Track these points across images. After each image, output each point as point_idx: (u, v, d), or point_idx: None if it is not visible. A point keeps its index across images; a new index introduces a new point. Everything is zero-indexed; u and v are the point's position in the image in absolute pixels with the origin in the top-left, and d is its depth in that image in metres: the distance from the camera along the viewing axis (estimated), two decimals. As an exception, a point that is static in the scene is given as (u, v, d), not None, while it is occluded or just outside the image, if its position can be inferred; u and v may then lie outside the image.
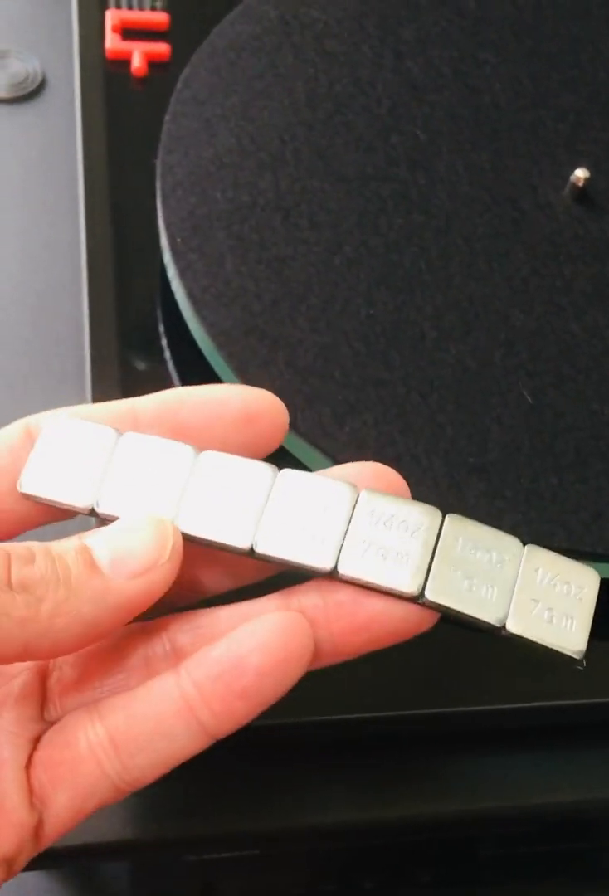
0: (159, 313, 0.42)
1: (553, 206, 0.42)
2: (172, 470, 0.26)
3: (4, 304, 0.45)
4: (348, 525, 0.25)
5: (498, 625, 0.25)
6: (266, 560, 0.25)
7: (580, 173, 0.41)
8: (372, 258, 0.39)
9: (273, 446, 0.27)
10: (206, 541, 0.25)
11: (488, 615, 0.25)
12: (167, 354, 0.41)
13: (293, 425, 0.35)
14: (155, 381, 0.40)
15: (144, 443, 0.27)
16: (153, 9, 0.50)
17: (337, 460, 0.35)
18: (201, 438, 0.26)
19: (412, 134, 0.43)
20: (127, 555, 0.24)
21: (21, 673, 0.26)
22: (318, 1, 0.46)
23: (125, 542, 0.24)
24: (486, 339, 0.38)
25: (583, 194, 0.42)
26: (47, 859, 0.33)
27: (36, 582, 0.23)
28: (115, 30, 0.49)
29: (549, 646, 0.25)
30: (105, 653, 0.26)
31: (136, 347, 0.41)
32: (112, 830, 0.35)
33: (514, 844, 0.46)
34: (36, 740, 0.25)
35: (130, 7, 0.50)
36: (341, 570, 0.25)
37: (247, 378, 0.36)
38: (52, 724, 0.26)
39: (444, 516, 0.26)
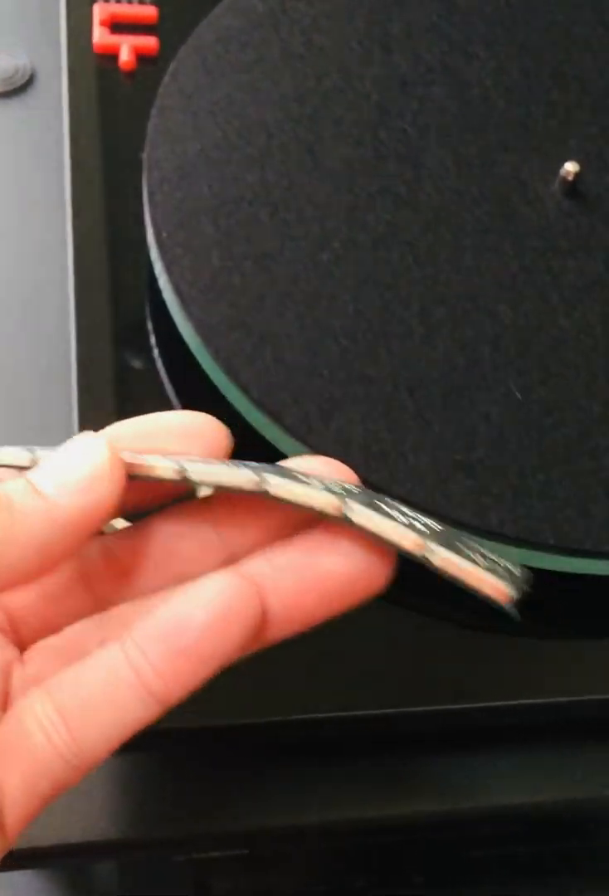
0: (148, 309, 0.42)
1: (543, 201, 0.42)
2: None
3: (-9, 300, 0.45)
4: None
5: (425, 546, 0.25)
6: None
7: (570, 167, 0.41)
8: (359, 253, 0.39)
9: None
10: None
11: (415, 539, 0.25)
12: (156, 351, 0.41)
13: (279, 421, 0.35)
14: (143, 378, 0.40)
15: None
16: (141, 2, 0.50)
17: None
18: None
19: (400, 128, 0.43)
20: (67, 475, 0.24)
21: None
22: (307, -6, 0.46)
23: (64, 464, 0.25)
24: (474, 335, 0.38)
25: (572, 189, 0.42)
26: (39, 859, 0.33)
27: None
28: (103, 23, 0.49)
29: (481, 577, 0.25)
30: (66, 649, 0.26)
31: (124, 344, 0.41)
32: (102, 830, 0.35)
33: (506, 844, 0.45)
34: None
35: (119, 1, 0.50)
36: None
37: (234, 374, 0.36)
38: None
39: None
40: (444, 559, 0.25)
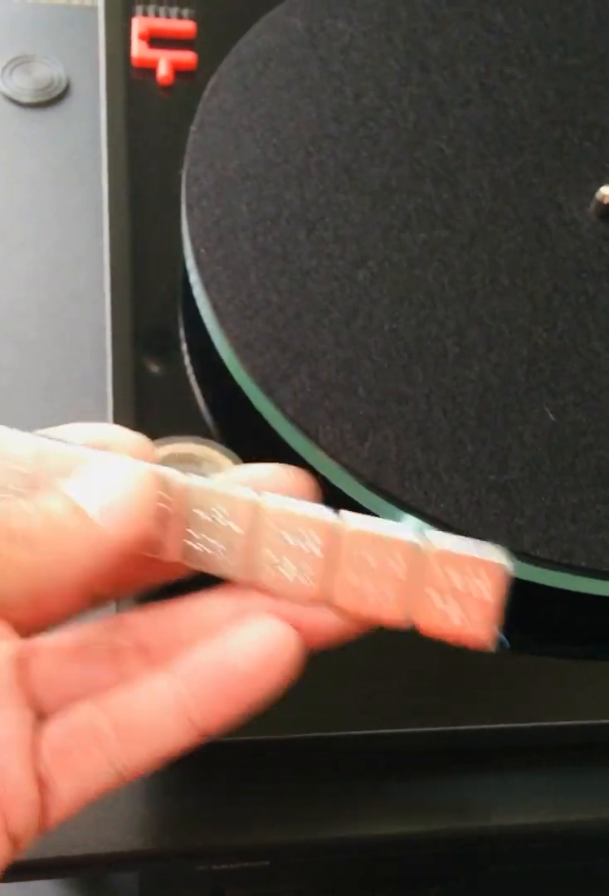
0: (180, 322, 0.42)
1: (578, 223, 0.42)
2: None
3: (27, 309, 0.45)
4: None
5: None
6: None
7: (606, 191, 0.41)
8: (395, 272, 0.39)
9: None
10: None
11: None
12: (187, 363, 0.41)
13: (315, 439, 0.35)
14: (174, 391, 0.40)
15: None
16: (180, 17, 0.50)
17: (359, 475, 0.35)
18: None
19: (437, 148, 0.43)
20: (114, 503, 0.25)
21: (4, 664, 0.27)
22: (345, 12, 0.46)
23: (111, 491, 0.25)
24: (508, 356, 0.38)
25: (608, 212, 0.42)
26: (61, 868, 0.33)
27: (37, 534, 0.24)
28: (141, 37, 0.49)
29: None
30: (74, 647, 0.27)
31: (156, 355, 0.41)
32: (124, 840, 0.35)
33: (520, 861, 0.45)
34: (32, 724, 0.26)
35: (157, 15, 0.50)
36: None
37: (269, 391, 0.36)
38: (42, 712, 0.27)
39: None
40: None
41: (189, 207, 0.40)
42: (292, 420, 0.36)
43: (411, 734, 0.35)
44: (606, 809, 0.38)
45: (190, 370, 0.41)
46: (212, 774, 0.36)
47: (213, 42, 0.49)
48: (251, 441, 0.38)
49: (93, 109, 0.50)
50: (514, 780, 0.38)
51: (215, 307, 0.38)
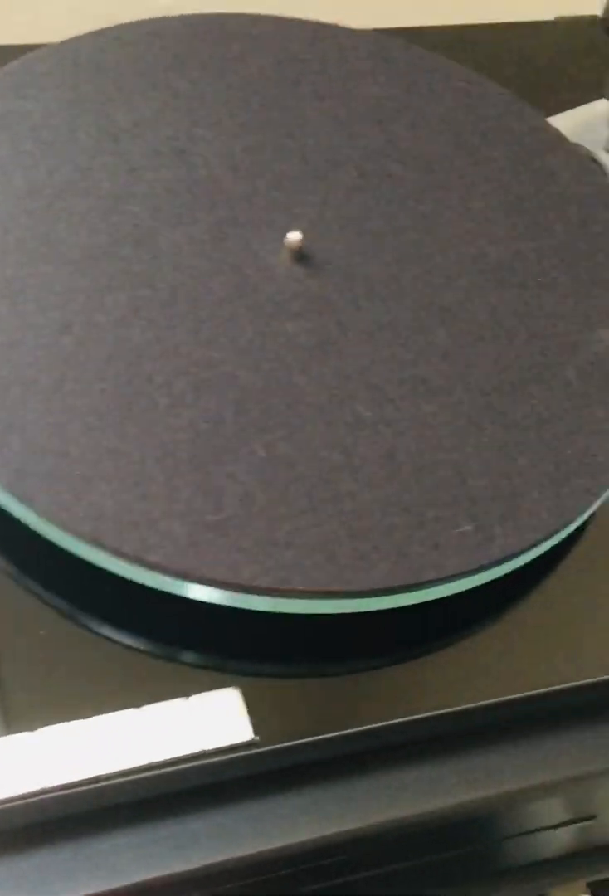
0: None
1: (273, 268, 0.44)
2: None
3: None
4: None
5: None
6: None
7: (295, 236, 0.44)
8: (100, 335, 0.41)
9: None
10: None
11: None
12: None
13: (32, 505, 0.36)
14: None
15: None
16: None
17: (79, 533, 0.35)
18: None
19: (133, 213, 0.45)
20: None
21: None
22: (33, 93, 0.47)
23: None
24: (216, 401, 0.40)
25: (299, 254, 0.44)
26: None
27: None
28: None
29: None
30: None
31: None
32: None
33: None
34: None
35: None
36: None
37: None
38: None
39: None
40: None
41: None
42: (7, 490, 0.36)
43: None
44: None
45: None
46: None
47: None
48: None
49: None
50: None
51: None
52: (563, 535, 0.40)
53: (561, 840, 0.42)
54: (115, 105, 0.48)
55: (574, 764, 0.39)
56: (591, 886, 0.45)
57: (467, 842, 0.40)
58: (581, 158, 0.51)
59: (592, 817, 0.41)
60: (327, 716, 0.38)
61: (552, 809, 0.40)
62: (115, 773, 0.33)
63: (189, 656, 0.38)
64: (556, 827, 0.41)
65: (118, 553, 0.36)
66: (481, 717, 0.38)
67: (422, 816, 0.37)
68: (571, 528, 0.40)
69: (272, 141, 0.49)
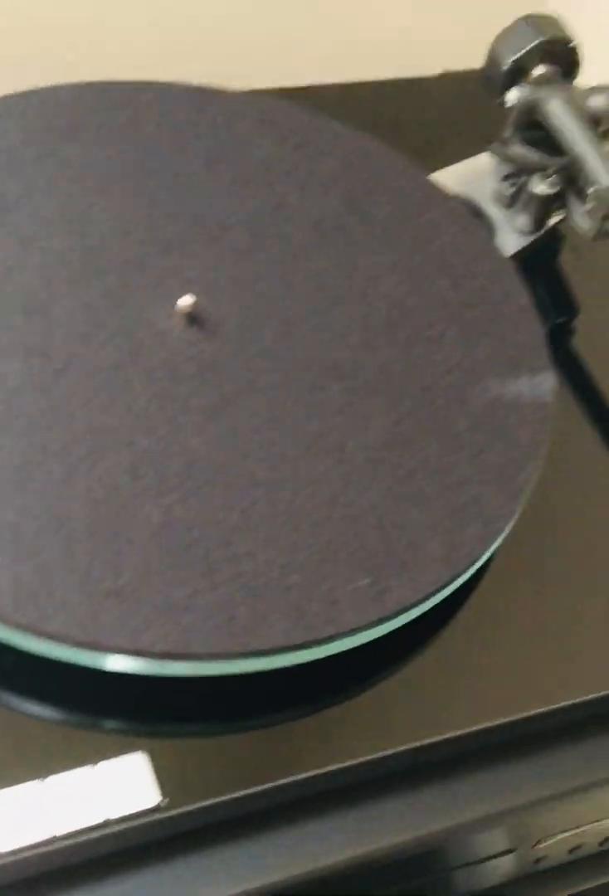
0: None
1: (167, 333, 0.45)
2: None
3: None
4: None
5: None
6: None
7: (186, 300, 0.44)
8: (-7, 407, 0.41)
9: None
10: None
11: None
12: None
13: None
14: None
15: None
16: None
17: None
18: None
19: (25, 283, 0.45)
20: None
21: None
22: None
23: None
24: (112, 467, 0.40)
25: (192, 318, 0.45)
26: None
27: None
28: None
29: None
30: None
31: None
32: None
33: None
34: None
35: None
36: None
37: None
38: None
39: None
40: None
41: None
42: None
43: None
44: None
45: None
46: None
47: None
48: None
49: None
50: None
51: None
52: (458, 583, 0.41)
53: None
54: (4, 175, 0.48)
55: (481, 804, 0.39)
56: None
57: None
58: (463, 213, 0.53)
59: (511, 851, 0.42)
60: (238, 773, 0.38)
61: (466, 848, 0.41)
62: (13, 850, 0.33)
63: (97, 722, 0.38)
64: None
65: (16, 625, 0.36)
66: (395, 763, 0.39)
67: (334, 867, 0.38)
68: (467, 575, 0.41)
69: (163, 206, 0.49)
